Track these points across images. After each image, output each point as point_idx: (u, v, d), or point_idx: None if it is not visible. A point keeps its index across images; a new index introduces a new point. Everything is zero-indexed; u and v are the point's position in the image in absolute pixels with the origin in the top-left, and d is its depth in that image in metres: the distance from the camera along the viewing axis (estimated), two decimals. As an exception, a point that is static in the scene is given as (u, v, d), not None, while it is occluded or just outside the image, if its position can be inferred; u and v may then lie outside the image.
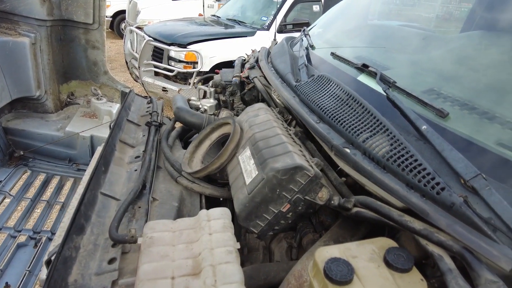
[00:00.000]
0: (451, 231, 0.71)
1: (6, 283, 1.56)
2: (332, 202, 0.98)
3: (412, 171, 0.84)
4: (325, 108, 1.18)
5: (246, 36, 4.90)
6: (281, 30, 5.08)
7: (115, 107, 2.69)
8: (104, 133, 2.44)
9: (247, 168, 1.10)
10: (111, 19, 9.34)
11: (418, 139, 0.95)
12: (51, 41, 2.50)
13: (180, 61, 4.44)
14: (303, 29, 2.08)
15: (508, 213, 0.69)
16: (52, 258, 0.89)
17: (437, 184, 0.79)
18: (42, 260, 1.11)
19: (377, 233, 0.90)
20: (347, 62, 1.48)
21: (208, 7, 7.99)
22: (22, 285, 1.55)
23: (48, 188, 2.30)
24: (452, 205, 0.75)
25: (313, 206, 1.04)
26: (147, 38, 4.56)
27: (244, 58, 2.30)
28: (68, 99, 2.86)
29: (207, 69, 4.44)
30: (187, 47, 4.41)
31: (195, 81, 4.34)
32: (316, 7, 5.63)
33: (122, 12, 9.05)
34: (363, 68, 1.34)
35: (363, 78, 1.32)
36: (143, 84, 4.68)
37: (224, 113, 1.78)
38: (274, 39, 2.41)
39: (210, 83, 2.05)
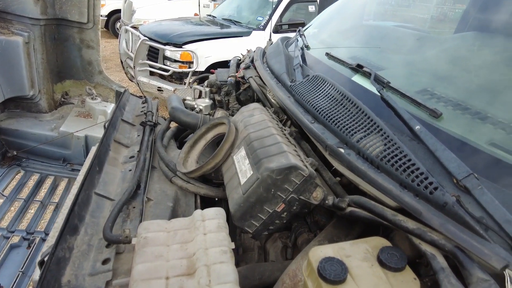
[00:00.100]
0: (443, 230, 0.72)
1: (-1, 284, 1.55)
2: (327, 201, 0.98)
3: (406, 170, 0.84)
4: (320, 108, 1.19)
5: (241, 36, 4.90)
6: (276, 30, 5.09)
7: (110, 107, 2.68)
8: (98, 133, 2.42)
9: (242, 168, 1.10)
10: (106, 18, 9.28)
11: (411, 139, 0.96)
12: (45, 40, 2.48)
13: (175, 61, 4.43)
14: (298, 29, 2.09)
15: (499, 212, 0.69)
16: (45, 258, 0.88)
17: (430, 183, 0.79)
18: (36, 261, 1.10)
19: (371, 233, 0.90)
20: (341, 62, 1.48)
21: (204, 6, 7.98)
22: (15, 286, 1.53)
23: (42, 189, 2.28)
24: (445, 205, 0.75)
25: (307, 206, 1.04)
26: (142, 37, 4.55)
27: (239, 58, 2.30)
28: (62, 99, 2.84)
29: (203, 69, 4.43)
30: (183, 46, 4.40)
31: (190, 81, 4.33)
32: (311, 8, 5.64)
33: (117, 11, 8.99)
34: (358, 69, 1.34)
35: (357, 79, 1.33)
36: (138, 83, 4.66)
37: (219, 113, 1.78)
38: (270, 39, 2.41)
39: (205, 83, 2.05)
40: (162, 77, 4.63)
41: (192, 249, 0.84)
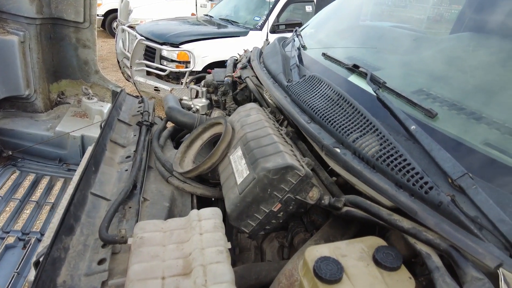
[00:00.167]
0: (438, 229, 0.72)
1: (-6, 285, 1.54)
2: (323, 201, 0.98)
3: (401, 170, 0.85)
4: (316, 108, 1.19)
5: (239, 36, 4.89)
6: (273, 30, 5.09)
7: (106, 107, 2.67)
8: (95, 133, 2.41)
9: (238, 168, 1.11)
10: (102, 18, 9.25)
11: (407, 139, 0.97)
12: (40, 40, 2.46)
13: (172, 61, 4.42)
14: (295, 29, 2.09)
15: (493, 212, 0.70)
16: (41, 259, 0.88)
17: (426, 183, 0.80)
18: (31, 261, 1.09)
19: (367, 232, 0.90)
20: (338, 62, 1.49)
21: (201, 6, 7.97)
22: (10, 287, 1.52)
23: (38, 189, 2.26)
24: (440, 204, 0.76)
25: (304, 206, 1.04)
26: (139, 37, 4.53)
27: (236, 58, 2.30)
28: (58, 99, 2.83)
29: (200, 69, 4.43)
30: (180, 46, 4.39)
31: (187, 81, 4.33)
32: (308, 8, 5.65)
33: (114, 11, 8.95)
34: (354, 69, 1.35)
35: (353, 79, 1.33)
36: (135, 83, 4.65)
37: (216, 113, 1.77)
38: (267, 39, 2.41)
39: (202, 82, 2.05)
40: (159, 77, 4.62)
41: (188, 249, 0.84)
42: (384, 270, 0.70)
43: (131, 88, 5.34)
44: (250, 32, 4.97)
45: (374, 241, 0.78)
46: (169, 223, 0.94)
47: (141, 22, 6.68)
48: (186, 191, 1.29)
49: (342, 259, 0.71)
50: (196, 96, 2.02)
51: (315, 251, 0.72)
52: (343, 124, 1.06)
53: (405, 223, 0.78)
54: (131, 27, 5.16)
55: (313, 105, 1.22)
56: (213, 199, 1.34)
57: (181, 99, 1.92)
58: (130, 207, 1.15)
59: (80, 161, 1.80)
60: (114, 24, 9.15)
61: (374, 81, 1.20)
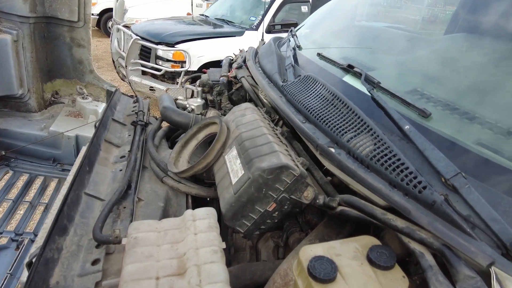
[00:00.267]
0: (432, 228, 0.73)
1: (-14, 286, 1.52)
2: (317, 201, 0.98)
3: (395, 170, 0.85)
4: (311, 108, 1.19)
5: (234, 36, 4.89)
6: (269, 30, 5.10)
7: (101, 107, 2.65)
8: (89, 132, 2.39)
9: (233, 167, 1.10)
10: (97, 17, 9.19)
11: (401, 138, 0.97)
12: (34, 39, 2.44)
13: (168, 60, 4.40)
14: (290, 29, 2.09)
15: (486, 211, 0.71)
16: (34, 260, 0.87)
17: (419, 182, 0.80)
18: (24, 262, 1.08)
19: (362, 232, 0.91)
20: (333, 62, 1.49)
21: (197, 6, 7.95)
22: (3, 288, 1.51)
23: (31, 189, 2.24)
24: (433, 203, 0.76)
25: (299, 205, 1.05)
26: (134, 37, 4.51)
27: (231, 58, 2.30)
28: (53, 98, 2.80)
29: (195, 69, 4.42)
30: (175, 46, 4.38)
31: (182, 81, 4.31)
32: (304, 8, 5.66)
33: (109, 10, 8.91)
34: (349, 69, 1.35)
35: (348, 79, 1.34)
36: (130, 83, 4.63)
37: (211, 113, 1.77)
38: (262, 39, 2.41)
39: (197, 82, 2.04)
40: (154, 76, 4.60)
41: (182, 249, 0.84)
42: (378, 269, 0.70)
43: (126, 88, 5.32)
44: (246, 32, 4.97)
45: (368, 241, 0.78)
46: (163, 223, 0.94)
47: (136, 21, 6.65)
48: (181, 191, 1.29)
49: (336, 258, 0.71)
50: (192, 96, 2.01)
51: (309, 251, 0.72)
52: (338, 124, 1.07)
53: (399, 222, 0.78)
54: (126, 26, 5.14)
55: (308, 105, 1.22)
56: (208, 199, 1.34)
57: (176, 99, 1.92)
58: (124, 207, 1.15)
59: (75, 161, 1.78)
60: (109, 24, 9.10)
61: (369, 81, 1.21)
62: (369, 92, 1.14)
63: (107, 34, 9.05)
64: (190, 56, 4.32)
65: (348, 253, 0.74)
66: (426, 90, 1.15)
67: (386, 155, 0.89)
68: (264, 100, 1.57)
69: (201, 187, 1.30)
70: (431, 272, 0.67)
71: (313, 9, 5.48)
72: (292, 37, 1.94)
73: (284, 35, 2.27)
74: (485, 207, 0.71)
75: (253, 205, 1.01)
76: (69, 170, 1.72)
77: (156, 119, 1.85)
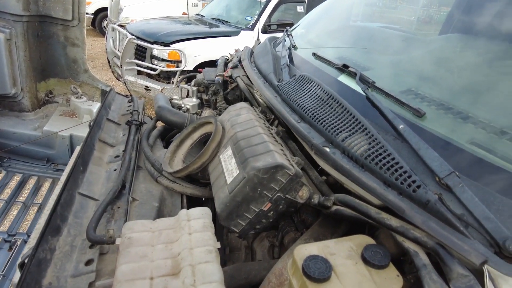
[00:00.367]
0: (426, 227, 0.73)
1: (-21, 288, 1.50)
2: (312, 200, 0.98)
3: (390, 169, 0.85)
4: (306, 108, 1.19)
5: (230, 36, 4.88)
6: (265, 30, 5.10)
7: (96, 106, 2.63)
8: (84, 132, 2.37)
9: (228, 167, 1.10)
10: (92, 16, 9.13)
11: (395, 138, 0.97)
12: (27, 37, 2.42)
13: (163, 60, 4.38)
14: (285, 29, 2.09)
15: (479, 210, 0.71)
16: (26, 260, 0.86)
17: (414, 182, 0.81)
18: (17, 263, 1.07)
19: (357, 231, 0.91)
20: (328, 62, 1.49)
21: (192, 6, 7.93)
22: (-4, 289, 1.49)
23: (25, 189, 2.22)
24: (427, 202, 0.76)
25: (294, 205, 1.04)
26: (129, 36, 4.49)
27: (227, 58, 2.29)
28: (46, 98, 2.78)
29: (191, 68, 4.40)
30: (171, 45, 4.36)
31: (178, 80, 4.30)
32: (300, 8, 5.67)
33: (104, 9, 8.85)
34: (344, 69, 1.35)
35: (343, 78, 1.34)
36: (125, 83, 4.60)
37: (206, 113, 1.77)
38: (258, 39, 2.41)
39: (193, 82, 2.04)
40: (149, 76, 4.58)
41: (177, 249, 0.84)
42: (372, 268, 0.70)
43: (121, 88, 5.30)
44: (242, 31, 4.97)
45: (362, 240, 0.78)
46: (157, 223, 0.93)
47: (131, 21, 6.61)
48: (175, 191, 1.28)
49: (331, 257, 0.71)
50: (187, 96, 2.00)
51: (304, 250, 0.72)
52: (333, 124, 1.07)
53: (393, 222, 0.79)
54: (121, 26, 5.11)
55: (303, 104, 1.22)
56: (203, 199, 1.33)
57: (171, 99, 1.91)
58: (118, 207, 1.14)
59: (69, 161, 1.77)
60: (105, 23, 9.05)
61: (364, 80, 1.21)
62: (364, 91, 1.15)
63: (102, 33, 9.00)
64: (185, 56, 4.31)
65: (342, 252, 0.74)
66: (420, 89, 1.16)
67: (380, 154, 0.89)
68: (260, 100, 1.56)
69: (196, 187, 1.29)
70: (425, 271, 0.67)
71: (308, 9, 5.48)
72: (288, 37, 1.94)
73: (279, 35, 2.27)
74: (478, 206, 0.72)
75: (248, 205, 1.01)
76: (63, 170, 1.70)
77: (151, 118, 1.84)
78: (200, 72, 2.15)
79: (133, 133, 1.57)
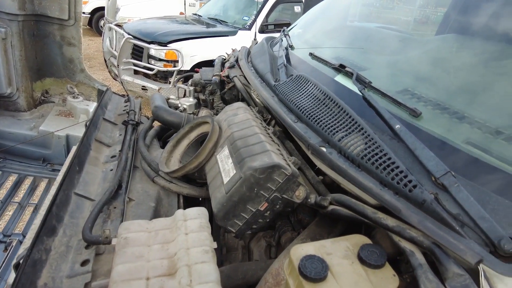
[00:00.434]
0: (422, 227, 0.73)
1: (-27, 289, 1.49)
2: (309, 200, 0.98)
3: (386, 169, 0.85)
4: (303, 108, 1.19)
5: (227, 36, 4.88)
6: (262, 30, 5.09)
7: (92, 106, 2.62)
8: (80, 132, 2.34)
9: (225, 167, 1.10)
10: (89, 15, 9.09)
11: (392, 138, 0.98)
12: (23, 37, 2.40)
13: (160, 60, 4.37)
14: (283, 29, 2.09)
15: (474, 209, 0.71)
16: (21, 261, 0.85)
17: (410, 181, 0.81)
18: (12, 264, 1.07)
19: (354, 231, 0.91)
20: (325, 62, 1.49)
21: (190, 5, 7.91)
22: (-9, 290, 1.48)
23: (21, 190, 2.20)
24: (423, 202, 0.77)
25: (290, 205, 1.05)
26: (126, 36, 4.47)
27: (224, 57, 2.29)
28: (42, 97, 2.76)
29: (188, 68, 4.39)
30: (168, 45, 4.35)
31: (175, 80, 4.29)
32: (297, 8, 5.67)
33: (101, 9, 8.81)
34: (340, 69, 1.36)
35: (340, 78, 1.34)
36: (122, 82, 4.58)
37: (203, 112, 1.76)
38: (255, 39, 2.41)
39: (190, 81, 2.03)
40: (146, 76, 4.57)
41: (173, 249, 0.83)
42: (368, 268, 0.70)
43: (118, 87, 5.27)
44: (239, 31, 4.96)
45: (359, 239, 0.78)
46: (154, 223, 0.93)
47: (128, 20, 6.58)
48: (172, 191, 1.28)
49: (327, 257, 0.71)
50: (184, 95, 2.00)
51: (300, 250, 0.72)
52: (329, 123, 1.07)
53: (390, 221, 0.79)
54: (118, 25, 5.09)
55: (299, 104, 1.22)
56: (200, 199, 1.33)
57: (168, 98, 1.90)
58: (115, 208, 1.13)
59: (65, 161, 1.76)
60: (101, 23, 9.01)
61: (360, 80, 1.21)
62: (360, 91, 1.15)
63: (99, 33, 8.96)
64: (182, 56, 4.30)
65: (339, 252, 0.74)
66: (417, 90, 1.16)
67: (377, 154, 0.90)
68: (256, 100, 1.56)
69: (193, 187, 1.29)
70: (421, 270, 0.67)
71: (306, 9, 5.49)
72: (285, 36, 1.94)
73: (277, 35, 2.27)
74: (474, 206, 0.72)
75: (245, 205, 1.00)
76: (59, 170, 1.69)
77: (148, 118, 1.83)
78: (197, 72, 2.15)
79: (129, 133, 1.56)
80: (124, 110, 1.82)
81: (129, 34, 4.53)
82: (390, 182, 0.83)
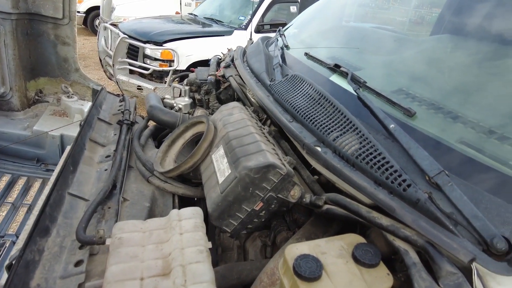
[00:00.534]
0: (416, 226, 0.73)
1: (-34, 290, 1.47)
2: (304, 200, 0.99)
3: (380, 168, 0.86)
4: (298, 107, 1.19)
5: (223, 35, 4.87)
6: (258, 30, 5.10)
7: (87, 106, 2.60)
8: (74, 132, 2.33)
9: (220, 167, 1.10)
10: (84, 15, 9.03)
11: (386, 137, 0.98)
12: (16, 35, 2.38)
13: (155, 59, 4.36)
14: (278, 29, 2.09)
15: (468, 208, 0.72)
16: (14, 262, 0.84)
17: (404, 181, 0.81)
18: (4, 265, 1.06)
19: (349, 230, 0.91)
20: (320, 62, 1.50)
21: (186, 5, 7.89)
22: (-17, 292, 1.46)
23: (14, 190, 2.18)
24: (417, 201, 0.77)
25: (286, 204, 1.05)
26: (122, 35, 4.45)
27: (219, 57, 2.29)
28: (36, 97, 2.74)
29: (184, 68, 4.38)
30: (163, 45, 4.34)
31: (170, 80, 4.28)
32: (293, 8, 5.69)
33: (96, 8, 8.76)
34: (335, 68, 1.36)
35: (335, 78, 1.34)
36: (117, 82, 4.56)
37: (199, 112, 1.76)
38: (250, 39, 2.41)
39: (185, 81, 2.02)
40: (142, 75, 4.55)
41: (168, 249, 0.83)
42: (363, 267, 0.71)
43: (113, 87, 5.25)
44: (235, 31, 4.96)
45: (353, 239, 0.78)
46: (148, 223, 0.93)
47: (124, 20, 6.55)
48: (167, 191, 1.28)
49: (322, 256, 0.71)
50: (179, 95, 1.99)
51: (295, 249, 0.72)
52: (324, 123, 1.07)
53: (384, 221, 0.79)
54: (113, 25, 5.06)
55: (295, 104, 1.22)
56: (195, 199, 1.32)
57: (163, 98, 1.90)
58: (109, 208, 1.13)
59: (59, 161, 1.75)
60: (97, 22, 8.96)
61: (355, 80, 1.22)
62: (355, 91, 1.15)
63: (94, 32, 8.90)
64: (178, 55, 4.29)
65: (333, 251, 0.74)
66: (411, 89, 1.17)
67: (371, 153, 0.90)
68: (252, 99, 1.56)
69: (188, 187, 1.29)
70: (414, 269, 0.68)
71: (301, 9, 5.50)
72: (280, 36, 1.94)
73: (272, 35, 2.27)
74: (467, 205, 0.73)
75: (240, 205, 1.00)
76: (54, 170, 1.68)
77: (143, 118, 1.82)
78: (192, 71, 2.14)
79: (124, 132, 1.55)
80: (119, 110, 1.81)
81: (124, 33, 4.51)
82: (385, 181, 0.83)
